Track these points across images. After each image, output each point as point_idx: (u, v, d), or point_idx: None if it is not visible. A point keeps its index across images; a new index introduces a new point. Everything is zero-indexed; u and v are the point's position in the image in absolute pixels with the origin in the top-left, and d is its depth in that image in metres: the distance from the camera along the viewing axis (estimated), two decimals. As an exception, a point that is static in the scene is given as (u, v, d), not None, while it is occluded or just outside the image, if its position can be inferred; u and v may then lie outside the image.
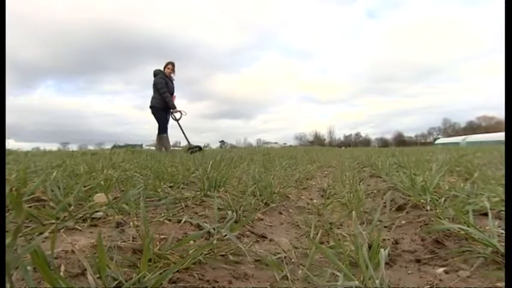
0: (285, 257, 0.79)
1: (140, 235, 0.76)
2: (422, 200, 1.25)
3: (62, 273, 0.50)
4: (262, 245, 0.93)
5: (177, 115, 6.21)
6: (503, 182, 1.40)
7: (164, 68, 6.19)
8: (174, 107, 6.08)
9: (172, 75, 6.33)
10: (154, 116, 6.02)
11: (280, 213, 1.32)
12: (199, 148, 5.92)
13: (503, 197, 1.05)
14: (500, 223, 0.87)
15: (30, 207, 0.97)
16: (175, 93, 6.36)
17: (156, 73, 6.13)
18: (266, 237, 1.00)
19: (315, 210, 1.38)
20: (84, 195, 1.15)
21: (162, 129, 6.05)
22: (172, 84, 6.31)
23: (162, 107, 6.01)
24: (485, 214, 0.91)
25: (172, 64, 6.33)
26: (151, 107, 6.03)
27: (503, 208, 1.03)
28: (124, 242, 0.74)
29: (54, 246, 0.50)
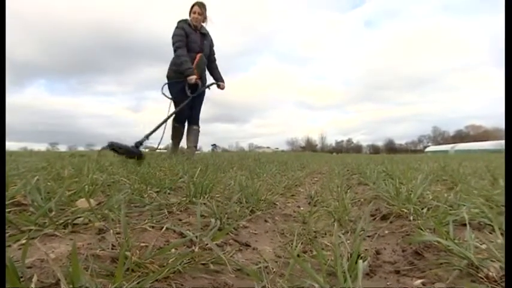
0: (266, 267, 0.79)
1: (120, 243, 0.75)
2: (405, 210, 1.27)
3: (33, 284, 0.50)
4: (245, 254, 0.92)
5: (194, 87, 3.79)
6: (485, 192, 1.43)
7: (190, 13, 3.88)
8: (189, 73, 3.67)
9: (204, 24, 3.96)
10: (171, 93, 3.89)
11: (266, 221, 1.32)
12: (138, 154, 3.22)
13: (483, 208, 1.07)
14: (478, 234, 0.89)
15: (9, 212, 0.95)
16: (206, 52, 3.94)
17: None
18: (250, 246, 0.99)
19: (301, 218, 1.38)
20: (67, 200, 1.13)
21: (176, 114, 3.83)
22: (203, 37, 3.96)
23: (179, 77, 3.78)
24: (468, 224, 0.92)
25: (200, 5, 3.87)
26: (167, 77, 3.94)
27: (482, 219, 1.05)
28: (103, 250, 0.73)
29: (25, 255, 0.49)
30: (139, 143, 3.43)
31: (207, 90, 4.12)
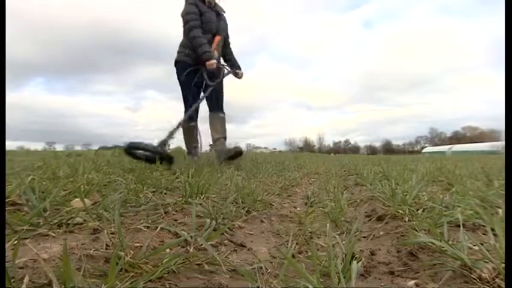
0: (260, 267, 0.79)
1: (113, 243, 0.75)
2: (401, 211, 1.27)
3: (25, 285, 0.49)
4: (240, 254, 0.92)
5: (216, 74, 3.22)
6: (480, 193, 1.43)
7: None
8: (208, 57, 3.05)
9: (218, 0, 3.35)
10: (179, 81, 3.27)
11: (262, 221, 1.32)
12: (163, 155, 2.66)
13: (477, 209, 1.08)
14: (472, 235, 0.89)
15: (3, 211, 0.95)
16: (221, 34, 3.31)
17: None
18: (245, 246, 0.99)
19: (297, 218, 1.38)
20: (62, 200, 1.12)
21: (187, 109, 3.20)
22: (219, 17, 3.33)
23: (192, 62, 3.18)
24: (463, 225, 0.93)
25: None
26: (175, 63, 3.31)
27: (477, 220, 1.05)
28: (96, 250, 0.73)
29: (16, 255, 0.49)
30: (163, 144, 2.81)
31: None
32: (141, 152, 2.62)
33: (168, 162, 2.57)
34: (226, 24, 3.47)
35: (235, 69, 3.56)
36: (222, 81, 3.38)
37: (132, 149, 2.61)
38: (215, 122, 3.32)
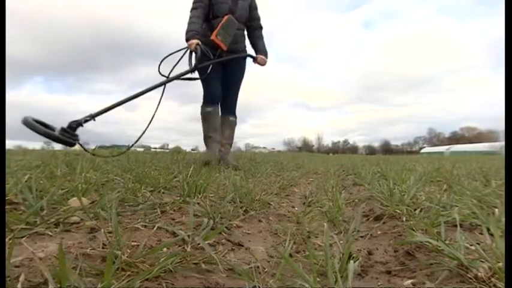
0: (257, 267, 0.79)
1: (110, 242, 0.75)
2: (398, 211, 1.27)
3: (20, 284, 0.49)
4: (238, 254, 0.92)
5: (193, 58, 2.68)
6: (477, 193, 1.44)
7: None
8: (188, 37, 2.72)
9: None
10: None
11: (260, 220, 1.32)
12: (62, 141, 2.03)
13: (474, 209, 1.08)
14: (469, 235, 0.89)
15: (0, 210, 0.94)
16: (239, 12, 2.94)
17: None
18: (242, 245, 0.99)
19: (295, 218, 1.38)
20: (59, 199, 1.12)
21: (204, 93, 3.01)
22: None
23: (206, 44, 2.75)
24: (460, 225, 0.93)
25: None
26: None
27: (474, 220, 1.05)
28: (93, 249, 0.72)
29: (11, 254, 0.49)
30: (76, 124, 2.16)
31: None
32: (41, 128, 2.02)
33: (66, 145, 2.13)
34: (250, 3, 3.08)
35: (260, 54, 3.12)
36: (238, 73, 3.07)
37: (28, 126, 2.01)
38: (224, 127, 3.13)
